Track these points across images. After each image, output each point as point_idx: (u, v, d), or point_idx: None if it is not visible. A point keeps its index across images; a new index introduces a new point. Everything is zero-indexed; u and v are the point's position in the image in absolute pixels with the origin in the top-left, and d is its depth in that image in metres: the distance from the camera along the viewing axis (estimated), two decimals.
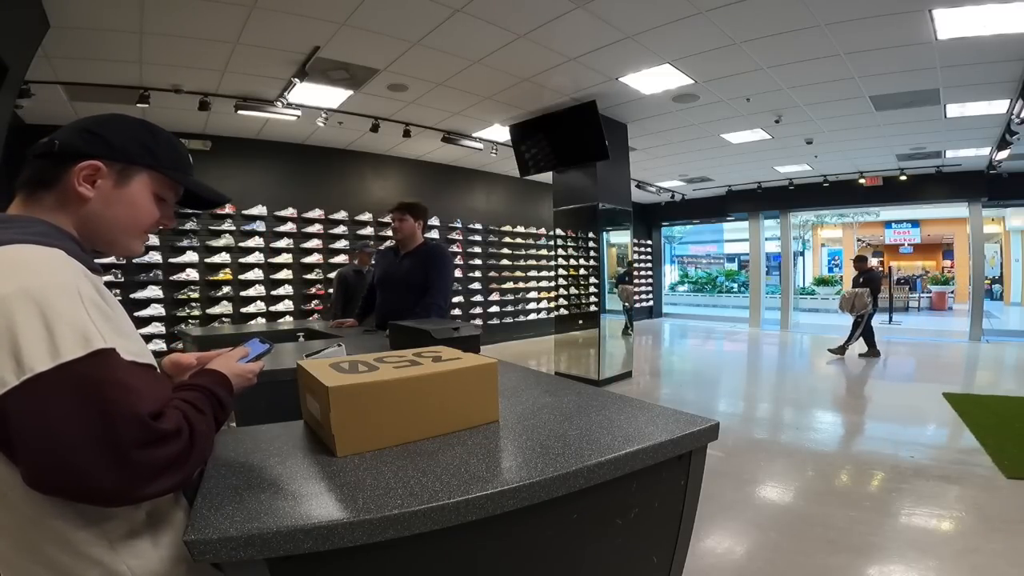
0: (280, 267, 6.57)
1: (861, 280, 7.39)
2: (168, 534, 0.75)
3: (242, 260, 6.30)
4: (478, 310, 8.76)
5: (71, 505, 0.65)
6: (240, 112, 5.00)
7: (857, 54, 4.22)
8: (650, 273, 13.03)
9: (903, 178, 8.56)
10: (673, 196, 11.21)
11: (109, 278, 5.41)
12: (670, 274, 19.24)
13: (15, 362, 0.58)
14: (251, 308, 6.34)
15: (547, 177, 6.80)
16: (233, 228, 6.26)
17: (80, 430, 0.58)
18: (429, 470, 0.92)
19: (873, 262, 17.01)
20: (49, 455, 0.58)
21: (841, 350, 7.35)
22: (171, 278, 5.84)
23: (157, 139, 0.84)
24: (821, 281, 17.39)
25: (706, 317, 14.11)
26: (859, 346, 7.38)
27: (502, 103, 5.45)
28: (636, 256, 11.24)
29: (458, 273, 8.48)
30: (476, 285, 8.79)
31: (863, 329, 7.25)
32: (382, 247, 3.34)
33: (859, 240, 19.16)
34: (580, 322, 6.46)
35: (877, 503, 2.74)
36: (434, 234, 8.22)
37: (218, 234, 6.17)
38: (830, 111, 5.71)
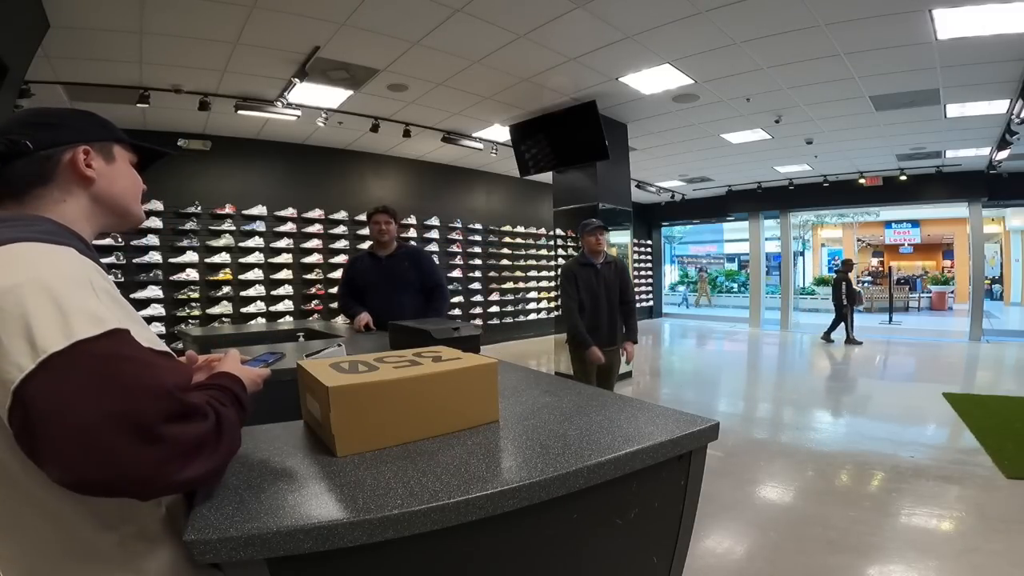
0: (280, 267, 6.57)
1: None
2: (172, 535, 0.75)
3: (242, 260, 6.31)
4: (478, 310, 8.77)
5: (85, 505, 0.64)
6: (240, 112, 5.01)
7: (857, 54, 4.22)
8: (650, 273, 13.04)
9: (903, 178, 8.57)
10: (673, 196, 11.21)
11: (110, 278, 5.41)
12: (670, 274, 19.24)
13: (30, 346, 0.57)
14: (251, 308, 6.34)
15: (547, 177, 6.81)
16: (233, 228, 6.26)
17: (103, 408, 0.56)
18: (429, 470, 0.92)
19: (872, 262, 17.03)
20: (72, 440, 0.55)
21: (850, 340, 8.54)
22: (171, 278, 5.85)
23: (97, 116, 0.86)
24: (821, 281, 17.37)
25: (706, 317, 14.12)
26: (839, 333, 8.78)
27: (502, 103, 5.45)
28: (636, 256, 11.23)
29: (458, 273, 8.51)
30: (476, 285, 8.79)
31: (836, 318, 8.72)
32: (358, 254, 3.39)
33: (859, 240, 19.16)
34: None
35: (877, 503, 2.74)
36: (434, 234, 8.24)
37: (218, 234, 6.18)
38: (830, 111, 5.71)
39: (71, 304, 0.60)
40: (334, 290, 7.01)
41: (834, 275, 8.65)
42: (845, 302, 8.49)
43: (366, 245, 7.28)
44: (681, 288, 19.28)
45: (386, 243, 3.09)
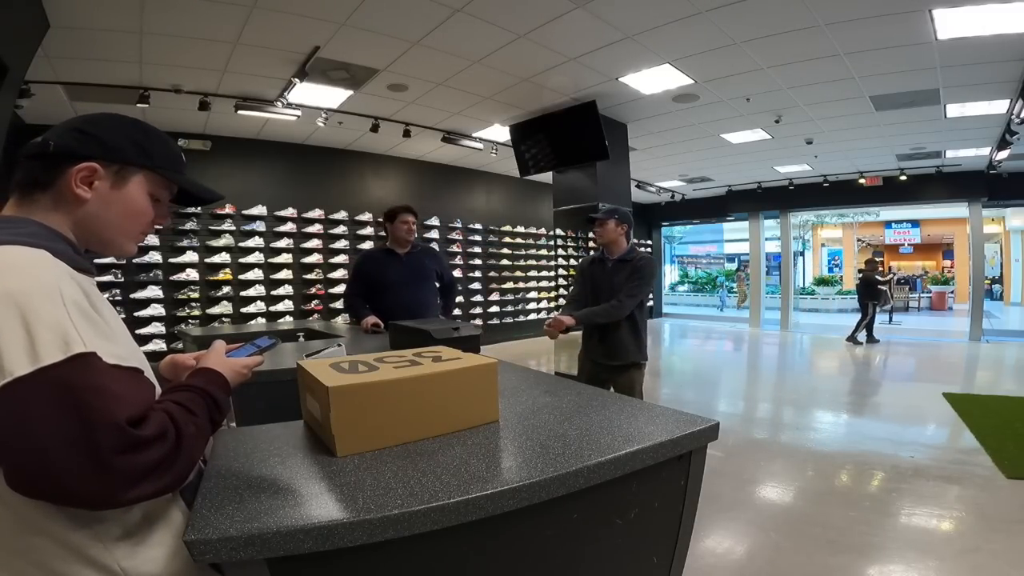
0: (280, 267, 6.57)
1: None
2: (165, 534, 0.75)
3: (242, 260, 6.30)
4: (478, 310, 8.76)
5: (43, 520, 0.65)
6: (240, 112, 5.01)
7: (857, 54, 4.22)
8: None
9: (903, 178, 8.56)
10: (673, 196, 11.21)
11: (109, 278, 5.41)
12: (670, 274, 19.24)
13: None
14: (251, 308, 6.34)
15: (547, 177, 6.81)
16: (233, 228, 6.26)
17: (59, 434, 0.58)
18: (429, 470, 0.92)
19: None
20: (28, 457, 0.58)
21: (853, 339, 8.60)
22: (171, 278, 5.84)
23: (150, 138, 0.84)
24: (821, 281, 17.39)
25: (706, 317, 14.11)
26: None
27: (502, 103, 5.45)
28: None
29: (458, 273, 8.51)
30: (476, 285, 8.79)
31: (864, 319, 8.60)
32: (369, 251, 3.44)
33: (859, 240, 19.16)
34: None
35: (877, 503, 2.74)
36: (434, 234, 8.24)
37: (218, 234, 6.17)
38: (830, 111, 5.71)
39: (39, 322, 0.62)
40: (334, 290, 7.03)
41: (860, 275, 8.76)
42: (882, 301, 8.66)
43: (366, 245, 7.33)
44: (682, 288, 19.26)
45: (410, 241, 3.15)
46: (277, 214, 6.58)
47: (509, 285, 9.24)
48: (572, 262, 6.93)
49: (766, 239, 11.36)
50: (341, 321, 6.76)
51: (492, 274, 9.01)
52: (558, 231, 6.80)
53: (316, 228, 6.90)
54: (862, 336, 8.58)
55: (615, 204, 6.13)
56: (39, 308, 0.62)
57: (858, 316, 8.78)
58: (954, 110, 5.57)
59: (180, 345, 5.23)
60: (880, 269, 8.88)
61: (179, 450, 0.68)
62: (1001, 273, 16.07)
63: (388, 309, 2.98)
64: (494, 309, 8.97)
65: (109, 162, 0.78)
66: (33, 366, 0.59)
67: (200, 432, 0.74)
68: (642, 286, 2.59)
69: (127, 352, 0.73)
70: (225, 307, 6.15)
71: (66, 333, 0.63)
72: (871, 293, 8.49)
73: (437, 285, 3.29)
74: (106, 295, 0.78)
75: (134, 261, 5.60)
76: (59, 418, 0.59)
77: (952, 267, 17.25)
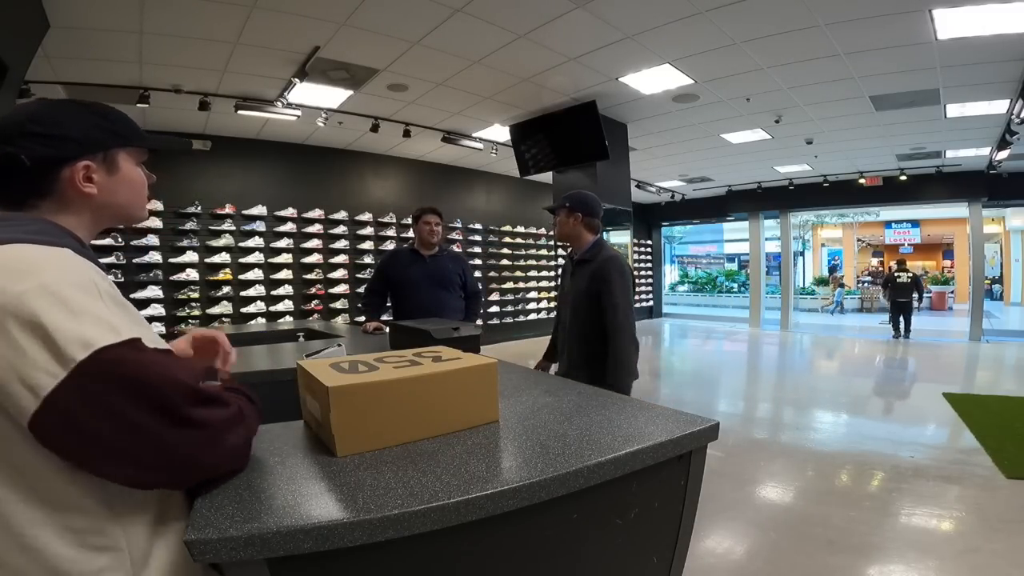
0: (280, 267, 6.57)
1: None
2: (173, 534, 0.75)
3: (242, 260, 6.31)
4: None
5: (74, 505, 0.64)
6: (240, 112, 5.01)
7: (857, 54, 4.22)
8: (650, 273, 13.04)
9: (903, 178, 8.56)
10: (673, 196, 11.21)
11: (109, 278, 5.41)
12: (670, 274, 19.24)
13: (53, 355, 0.59)
14: (251, 308, 6.34)
15: (547, 177, 6.81)
16: (233, 228, 6.26)
17: (141, 406, 0.62)
18: (429, 470, 0.92)
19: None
20: (127, 439, 0.62)
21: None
22: (171, 278, 5.84)
23: (109, 118, 0.83)
24: (821, 281, 17.38)
25: (706, 317, 14.10)
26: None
27: (502, 103, 5.45)
28: (636, 256, 11.21)
29: None
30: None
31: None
32: (395, 249, 3.44)
33: (859, 240, 19.15)
34: None
35: (877, 503, 2.74)
36: None
37: (218, 234, 6.17)
38: (830, 111, 5.71)
39: (82, 312, 0.63)
40: (334, 290, 7.03)
41: (911, 275, 9.30)
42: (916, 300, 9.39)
43: (366, 245, 7.33)
44: (682, 288, 19.24)
45: (434, 243, 3.15)
46: (277, 214, 6.58)
47: (509, 285, 9.24)
48: None
49: (766, 239, 11.36)
50: (341, 321, 6.76)
51: (492, 274, 9.02)
52: None
53: (316, 228, 6.90)
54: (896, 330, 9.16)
55: (614, 204, 6.14)
56: (78, 298, 0.63)
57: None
58: (954, 110, 5.57)
59: None
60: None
61: (243, 413, 0.75)
62: (1001, 273, 16.06)
63: (406, 309, 3.00)
64: (494, 309, 8.97)
65: (92, 154, 0.79)
66: (89, 349, 0.61)
67: (252, 411, 0.83)
68: (614, 296, 2.05)
69: (156, 339, 0.77)
70: (225, 307, 6.15)
71: (109, 321, 0.65)
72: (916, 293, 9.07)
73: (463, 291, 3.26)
74: None
75: (134, 261, 5.61)
76: (134, 392, 0.62)
77: (952, 267, 17.24)
